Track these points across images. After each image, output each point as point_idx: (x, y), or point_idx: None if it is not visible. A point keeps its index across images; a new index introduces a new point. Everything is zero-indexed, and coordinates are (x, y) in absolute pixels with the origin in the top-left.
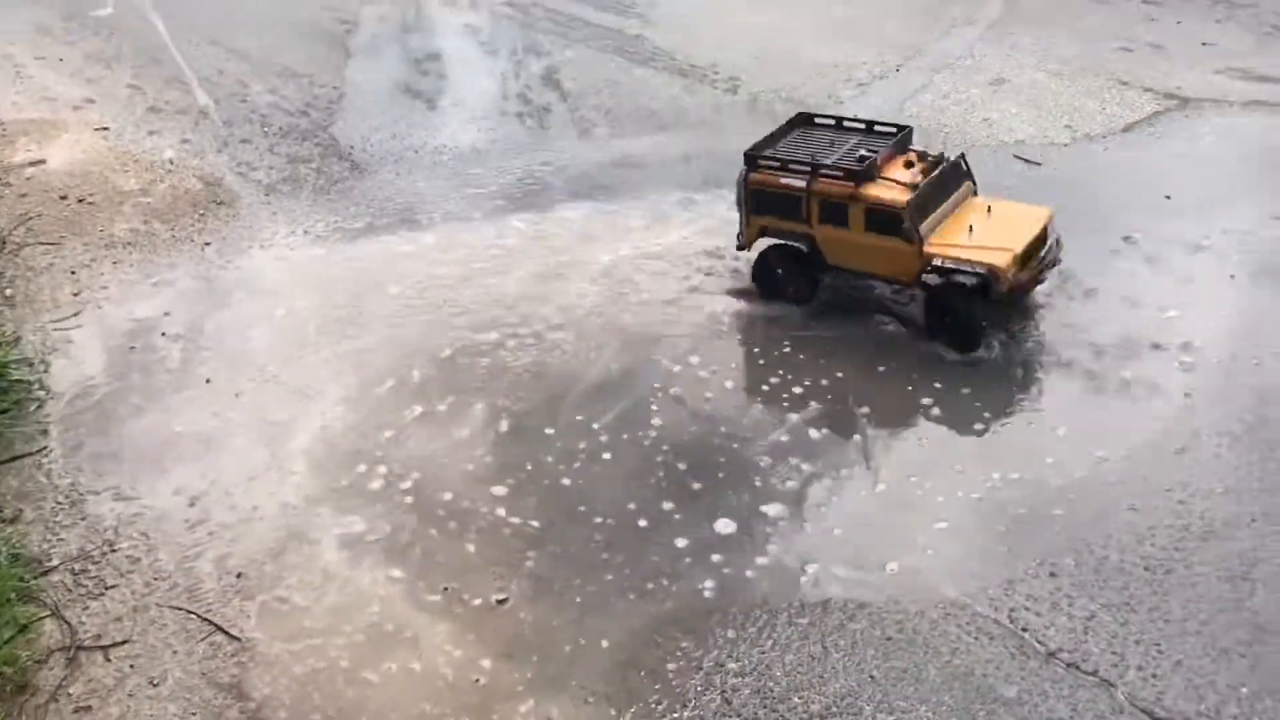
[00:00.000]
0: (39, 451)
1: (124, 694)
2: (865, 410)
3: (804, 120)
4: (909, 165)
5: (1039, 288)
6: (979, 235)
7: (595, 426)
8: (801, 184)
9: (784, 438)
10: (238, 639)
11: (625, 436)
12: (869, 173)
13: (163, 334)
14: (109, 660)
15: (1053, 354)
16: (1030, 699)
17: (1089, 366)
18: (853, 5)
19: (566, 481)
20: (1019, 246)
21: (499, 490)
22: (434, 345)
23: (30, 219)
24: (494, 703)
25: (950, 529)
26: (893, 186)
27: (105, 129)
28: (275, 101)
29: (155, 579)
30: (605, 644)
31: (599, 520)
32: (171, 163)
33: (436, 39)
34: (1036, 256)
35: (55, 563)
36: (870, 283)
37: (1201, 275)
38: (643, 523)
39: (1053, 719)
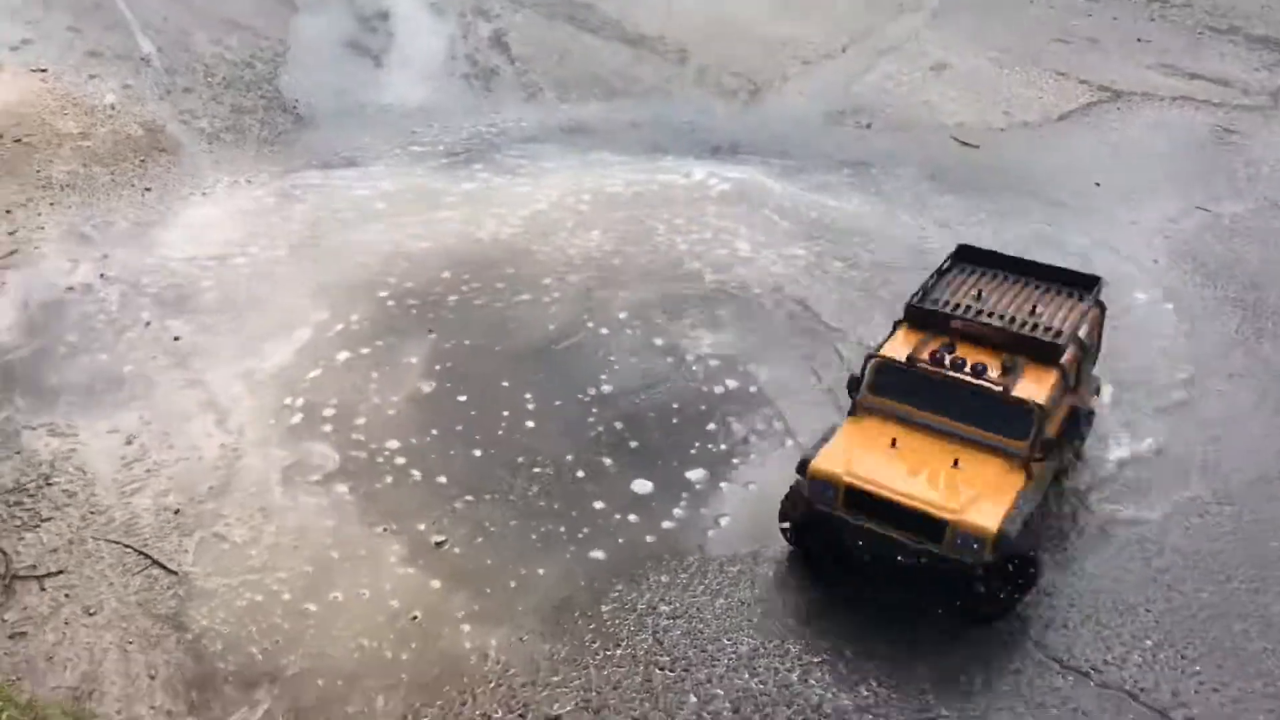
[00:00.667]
0: None
1: (59, 621)
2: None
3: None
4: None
5: None
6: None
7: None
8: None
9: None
10: (174, 573)
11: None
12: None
13: (101, 275)
14: (44, 589)
15: None
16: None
17: None
18: None
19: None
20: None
21: (435, 433)
22: (368, 287)
23: None
24: (432, 636)
25: None
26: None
27: (43, 71)
28: (219, 52)
29: (91, 513)
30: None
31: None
32: (113, 107)
33: None
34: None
35: None
36: None
37: (1124, 260)
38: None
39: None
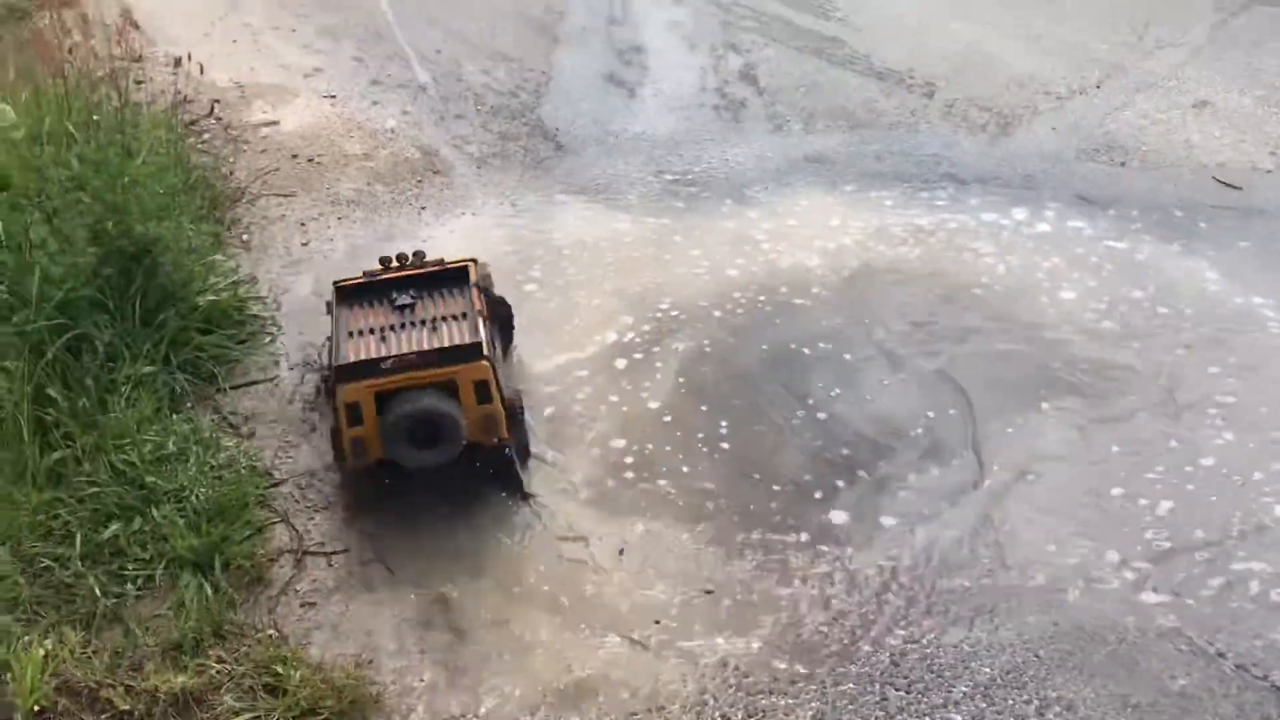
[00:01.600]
0: (271, 379)
1: (343, 595)
2: None
3: None
4: None
5: None
6: None
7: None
8: None
9: None
10: None
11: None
12: None
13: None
14: (330, 565)
15: None
16: None
17: None
18: (1055, 20)
19: None
20: None
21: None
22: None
23: (267, 173)
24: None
25: None
26: None
27: (332, 97)
28: (488, 82)
29: None
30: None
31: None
32: (392, 131)
33: (640, 31)
34: None
35: (285, 477)
36: None
37: None
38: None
39: None
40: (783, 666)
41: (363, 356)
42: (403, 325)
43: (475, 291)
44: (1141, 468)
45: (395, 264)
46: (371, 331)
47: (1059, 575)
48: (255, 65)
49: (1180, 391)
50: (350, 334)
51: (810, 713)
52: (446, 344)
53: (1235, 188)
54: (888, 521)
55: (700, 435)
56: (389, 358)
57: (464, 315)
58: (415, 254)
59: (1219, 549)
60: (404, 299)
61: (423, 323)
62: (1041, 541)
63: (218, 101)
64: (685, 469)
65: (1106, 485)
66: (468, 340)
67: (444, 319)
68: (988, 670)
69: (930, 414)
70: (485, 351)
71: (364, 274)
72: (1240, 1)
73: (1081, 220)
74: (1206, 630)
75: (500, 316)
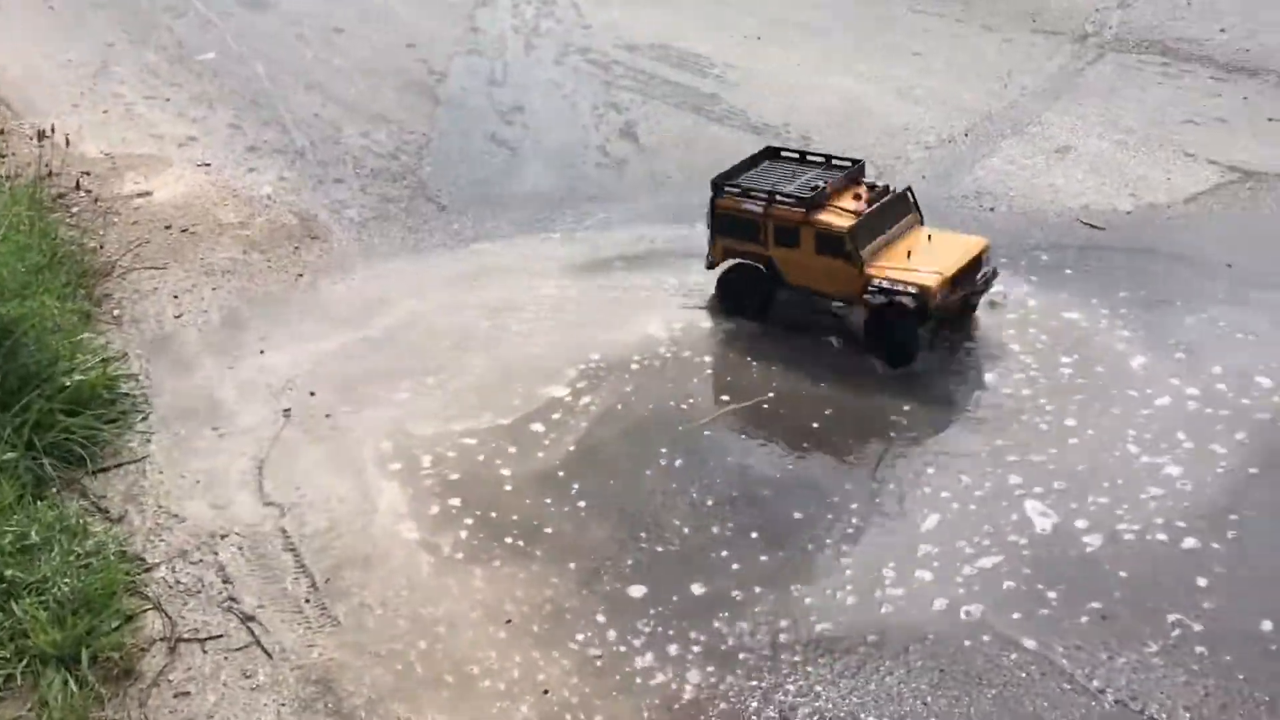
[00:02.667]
0: (143, 459)
1: (219, 683)
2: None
3: (771, 153)
4: (857, 197)
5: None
6: (916, 259)
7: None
8: (760, 209)
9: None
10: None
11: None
12: (819, 201)
13: (261, 351)
14: (205, 652)
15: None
16: None
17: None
18: (924, 72)
19: None
20: (949, 270)
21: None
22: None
23: (138, 246)
24: None
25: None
26: (839, 214)
27: (207, 165)
28: (367, 145)
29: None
30: None
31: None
32: (269, 198)
33: (521, 92)
34: (970, 281)
35: (158, 560)
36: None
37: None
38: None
39: None
40: None
41: None
42: None
43: None
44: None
45: None
46: None
47: None
48: (127, 135)
49: None
50: None
51: None
52: None
53: (1099, 228)
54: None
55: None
56: None
57: None
58: None
59: None
60: None
61: None
62: None
63: (86, 174)
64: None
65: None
66: None
67: None
68: None
69: None
70: None
71: None
72: (1096, 51)
73: None
74: None
75: None
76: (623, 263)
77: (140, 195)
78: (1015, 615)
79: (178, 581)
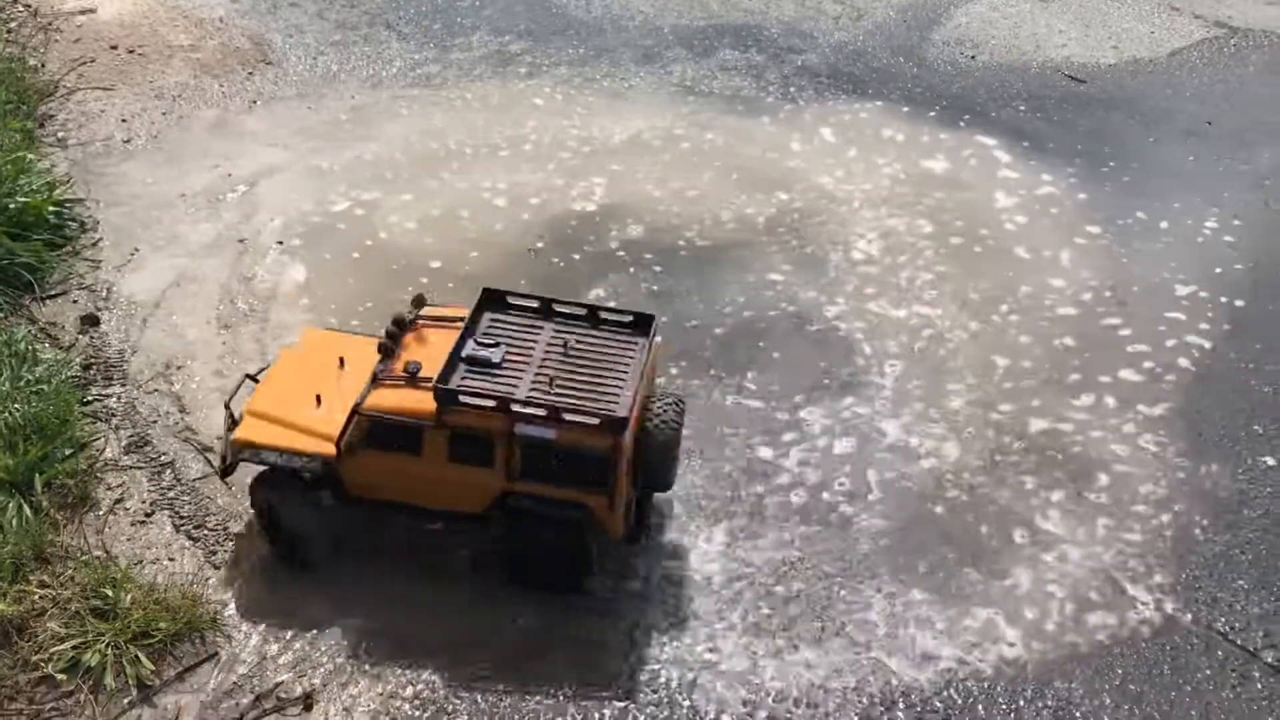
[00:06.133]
0: (91, 286)
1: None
2: None
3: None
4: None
5: None
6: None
7: None
8: None
9: None
10: None
11: None
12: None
13: (229, 174)
14: (161, 479)
15: None
16: None
17: None
18: None
19: None
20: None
21: None
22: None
23: (82, 64)
24: None
25: None
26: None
27: None
28: None
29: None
30: None
31: None
32: (221, 20)
33: None
34: None
35: (111, 389)
36: None
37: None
38: None
39: None
40: None
41: None
42: None
43: None
44: None
45: None
46: None
47: None
48: None
49: None
50: None
51: None
52: None
53: (1080, 81)
54: None
55: None
56: None
57: None
58: None
59: None
60: None
61: None
62: None
63: None
64: None
65: None
66: None
67: None
68: None
69: None
70: None
71: None
72: None
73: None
74: None
75: None
76: None
77: (84, 12)
78: None
79: (134, 410)
